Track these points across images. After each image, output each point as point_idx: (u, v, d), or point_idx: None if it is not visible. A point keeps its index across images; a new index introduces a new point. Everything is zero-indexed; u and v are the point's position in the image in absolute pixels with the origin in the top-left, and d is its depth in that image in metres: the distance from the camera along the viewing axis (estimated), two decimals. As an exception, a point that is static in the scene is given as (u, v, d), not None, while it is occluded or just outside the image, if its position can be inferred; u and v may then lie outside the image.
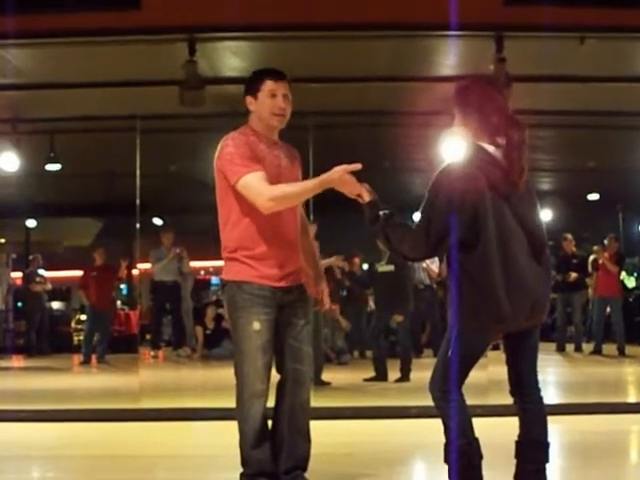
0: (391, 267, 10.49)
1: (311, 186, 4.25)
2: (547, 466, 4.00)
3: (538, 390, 4.08)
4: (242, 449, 4.37)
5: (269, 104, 4.44)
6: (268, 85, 4.45)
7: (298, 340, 4.46)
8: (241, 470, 4.37)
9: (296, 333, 4.46)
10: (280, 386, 4.48)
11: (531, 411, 4.04)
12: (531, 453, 3.99)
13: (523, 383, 4.05)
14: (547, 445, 4.02)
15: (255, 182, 4.28)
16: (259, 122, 4.49)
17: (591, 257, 14.40)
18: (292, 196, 4.32)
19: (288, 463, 4.39)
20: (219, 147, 4.49)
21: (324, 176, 4.15)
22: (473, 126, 3.99)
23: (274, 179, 4.35)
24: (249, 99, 4.50)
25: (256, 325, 4.30)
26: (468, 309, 3.84)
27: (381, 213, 3.99)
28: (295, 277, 4.47)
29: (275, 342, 4.42)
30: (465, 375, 3.92)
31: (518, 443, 4.01)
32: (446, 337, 3.95)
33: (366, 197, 4.05)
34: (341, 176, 4.07)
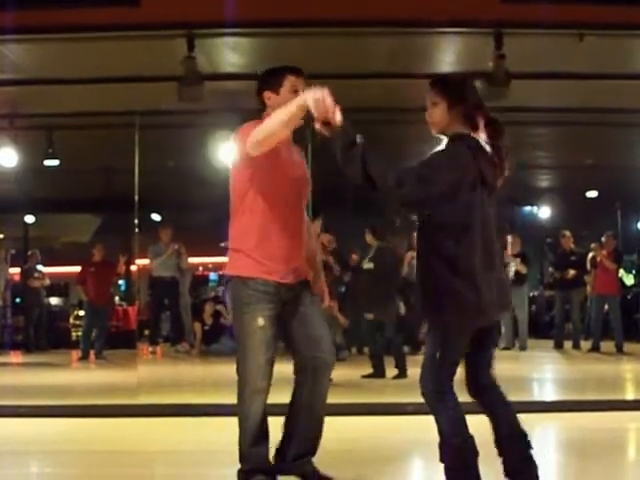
0: (371, 265, 10.48)
1: (291, 109, 4.10)
2: (533, 453, 3.98)
3: (498, 384, 4.09)
4: (241, 446, 4.37)
5: (291, 99, 4.38)
6: (291, 80, 4.42)
7: (313, 327, 4.46)
8: (239, 466, 4.38)
9: (310, 322, 4.46)
10: (299, 374, 4.48)
11: (500, 407, 4.04)
12: (513, 446, 3.97)
13: (486, 381, 4.05)
14: (525, 434, 4.00)
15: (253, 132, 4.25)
16: None
17: (590, 255, 14.40)
18: (274, 125, 4.17)
19: (301, 449, 4.44)
20: (236, 135, 4.41)
21: (298, 97, 4.06)
22: (457, 118, 4.00)
23: (288, 175, 4.38)
24: (268, 94, 4.45)
25: (260, 321, 4.30)
26: (451, 300, 3.84)
27: (358, 138, 3.86)
28: (299, 273, 4.47)
29: (288, 337, 4.46)
30: (455, 372, 3.93)
31: (497, 442, 3.99)
32: (430, 335, 3.94)
33: (340, 118, 3.88)
34: (314, 93, 3.92)
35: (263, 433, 4.35)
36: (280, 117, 4.16)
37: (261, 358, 4.31)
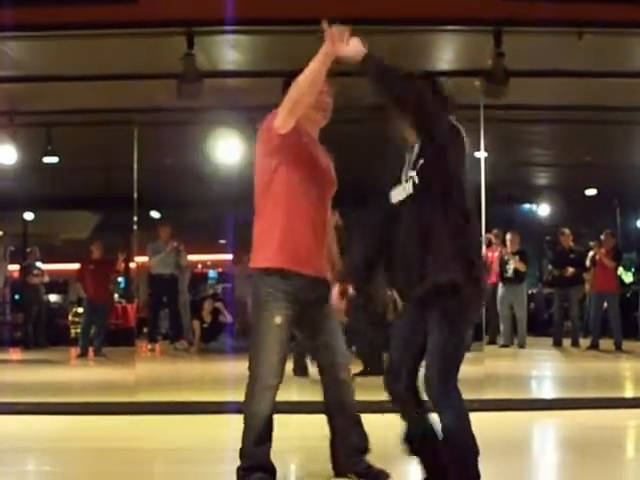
0: None
1: (317, 62, 4.17)
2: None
3: None
4: (244, 443, 4.37)
5: (316, 100, 4.44)
6: None
7: (334, 338, 4.53)
8: (238, 463, 4.38)
9: (330, 330, 4.52)
10: (322, 379, 4.56)
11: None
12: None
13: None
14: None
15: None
16: (304, 118, 4.45)
17: (590, 253, 14.39)
18: (302, 85, 4.21)
19: (348, 449, 4.52)
20: (260, 126, 4.45)
21: (322, 49, 4.11)
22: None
23: (313, 172, 4.39)
24: None
25: (278, 319, 4.32)
26: (468, 278, 3.86)
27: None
28: (320, 269, 4.47)
29: (311, 343, 4.55)
30: (459, 368, 3.94)
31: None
32: (439, 330, 3.91)
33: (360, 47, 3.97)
34: (332, 35, 4.01)
35: (268, 432, 4.36)
36: (303, 77, 4.19)
37: (275, 357, 4.33)
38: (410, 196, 3.97)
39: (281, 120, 4.29)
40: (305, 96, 4.23)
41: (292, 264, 4.35)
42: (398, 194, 4.03)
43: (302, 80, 4.20)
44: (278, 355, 4.34)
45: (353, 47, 3.96)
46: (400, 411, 4.07)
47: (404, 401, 4.06)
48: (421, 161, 3.94)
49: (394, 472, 4.63)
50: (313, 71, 4.17)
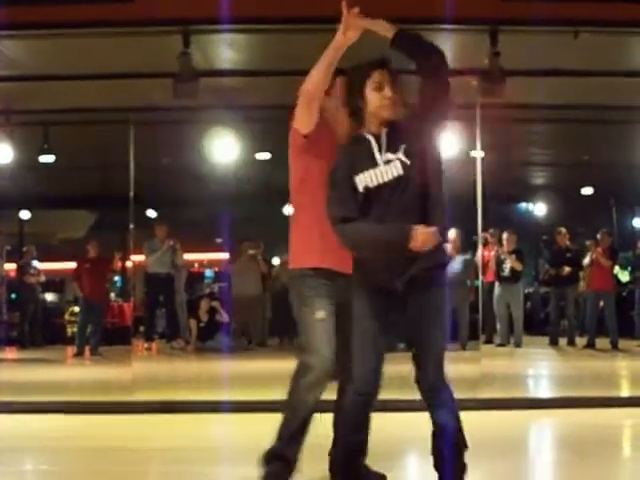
0: None
1: (326, 55, 4.29)
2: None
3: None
4: (284, 429, 4.36)
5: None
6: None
7: None
8: (270, 445, 4.37)
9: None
10: (340, 379, 4.54)
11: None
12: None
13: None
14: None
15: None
16: (331, 118, 4.47)
17: (589, 253, 14.37)
18: (314, 77, 4.28)
19: None
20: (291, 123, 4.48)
21: (334, 40, 4.23)
22: None
23: None
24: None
25: (320, 314, 4.33)
26: None
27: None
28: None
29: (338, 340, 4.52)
30: None
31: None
32: (441, 325, 3.92)
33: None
34: (347, 24, 4.15)
35: (305, 426, 4.37)
36: (315, 69, 4.29)
37: (325, 351, 4.31)
38: (400, 178, 3.90)
39: (299, 117, 4.30)
40: (317, 88, 4.28)
41: (336, 264, 4.34)
42: (375, 178, 3.94)
43: (313, 73, 4.28)
44: (328, 349, 4.31)
45: (380, 24, 4.09)
46: (365, 413, 4.07)
47: (374, 401, 4.06)
48: (403, 145, 3.92)
49: (392, 472, 4.64)
50: (323, 64, 4.26)
